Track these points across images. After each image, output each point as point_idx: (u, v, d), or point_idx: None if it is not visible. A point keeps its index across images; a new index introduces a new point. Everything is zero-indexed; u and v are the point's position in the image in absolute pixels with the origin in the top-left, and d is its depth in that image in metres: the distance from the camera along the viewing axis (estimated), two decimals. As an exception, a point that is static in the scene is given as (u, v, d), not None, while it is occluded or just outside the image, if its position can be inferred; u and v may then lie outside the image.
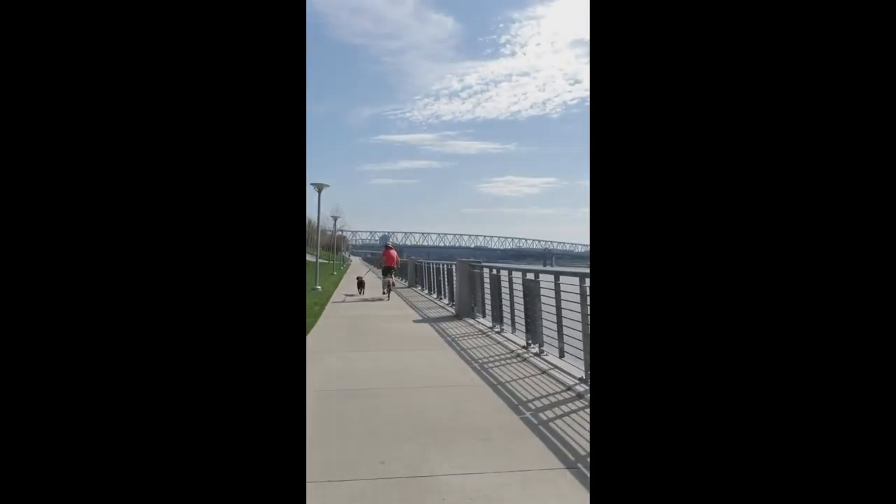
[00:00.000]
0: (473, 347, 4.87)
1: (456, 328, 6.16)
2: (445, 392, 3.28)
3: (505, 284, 5.68)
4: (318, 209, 13.28)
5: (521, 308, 5.06)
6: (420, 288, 13.11)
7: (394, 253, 10.83)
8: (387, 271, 10.54)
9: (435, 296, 10.65)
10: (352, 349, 4.75)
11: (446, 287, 9.69)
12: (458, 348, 4.82)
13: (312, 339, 5.19)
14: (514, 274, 5.41)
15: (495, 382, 3.50)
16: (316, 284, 12.73)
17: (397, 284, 12.49)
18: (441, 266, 10.40)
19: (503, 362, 4.17)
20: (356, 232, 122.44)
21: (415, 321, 6.89)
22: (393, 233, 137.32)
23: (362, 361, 4.18)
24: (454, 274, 8.57)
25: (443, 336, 5.57)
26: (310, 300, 9.39)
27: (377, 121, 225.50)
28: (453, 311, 7.86)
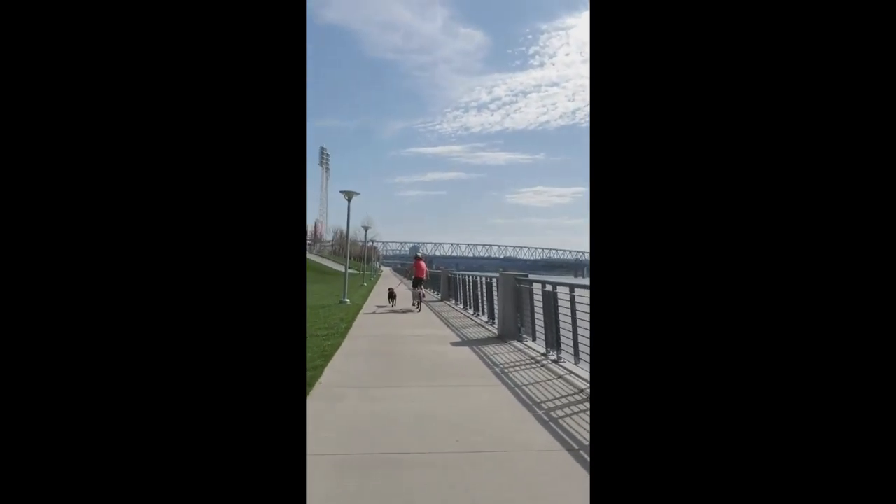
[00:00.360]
0: (530, 383, 3.90)
1: (502, 354, 5.20)
2: (511, 463, 2.34)
3: (563, 302, 4.70)
4: (348, 217, 12.72)
5: (579, 332, 4.12)
6: (454, 302, 12.20)
7: (423, 264, 10.63)
8: (417, 283, 10.40)
9: (472, 311, 9.71)
10: (379, 383, 3.87)
11: (485, 303, 8.75)
12: (511, 384, 3.86)
13: (333, 370, 4.34)
14: (579, 291, 4.42)
15: (576, 445, 2.52)
16: (344, 297, 12.05)
17: (429, 297, 12.11)
18: (479, 279, 9.46)
19: (576, 409, 3.18)
20: (386, 242, 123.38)
21: (453, 343, 5.97)
22: (422, 243, 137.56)
23: (392, 403, 3.29)
24: (495, 288, 7.63)
25: (488, 364, 4.62)
26: (336, 316, 8.64)
27: (408, 134, 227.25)
28: (495, 331, 6.89)
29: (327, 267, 60.59)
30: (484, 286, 8.78)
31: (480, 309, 9.09)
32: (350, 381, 3.87)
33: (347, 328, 7.06)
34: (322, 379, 3.89)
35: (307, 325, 7.18)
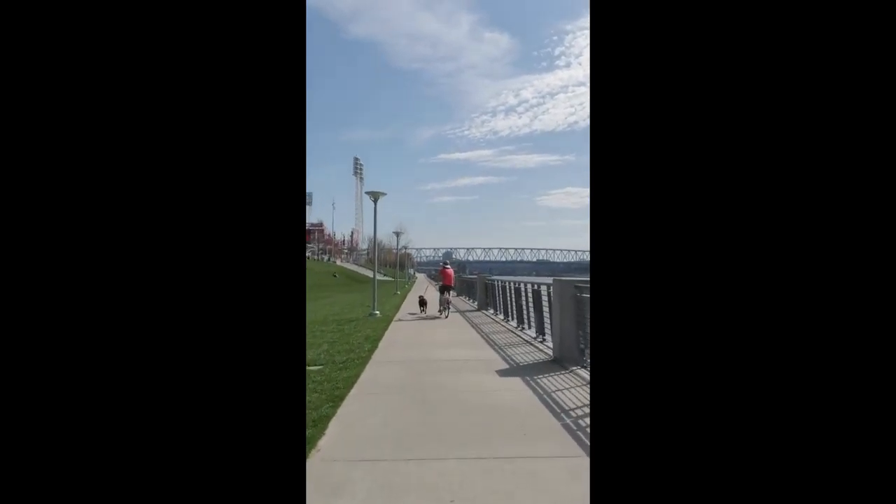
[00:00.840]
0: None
1: (569, 391, 3.91)
2: None
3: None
4: (375, 219, 11.70)
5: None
6: (493, 312, 10.93)
7: (450, 271, 10.97)
8: (444, 289, 10.56)
9: (514, 324, 8.44)
10: (403, 451, 2.67)
11: (531, 314, 7.46)
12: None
13: (343, 424, 3.17)
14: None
15: None
16: (374, 309, 10.99)
17: (465, 306, 11.63)
18: (523, 287, 8.17)
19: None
20: (420, 249, 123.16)
21: (500, 372, 4.73)
22: (455, 249, 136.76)
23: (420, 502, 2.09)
24: (545, 297, 6.35)
25: (553, 410, 3.36)
26: (361, 333, 7.56)
27: (437, 141, 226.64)
28: (549, 352, 5.60)
29: (363, 275, 60.55)
30: (530, 294, 7.48)
31: (526, 322, 7.81)
32: (362, 449, 2.70)
33: (372, 350, 5.95)
34: (322, 442, 2.75)
35: (326, 349, 6.14)
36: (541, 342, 6.41)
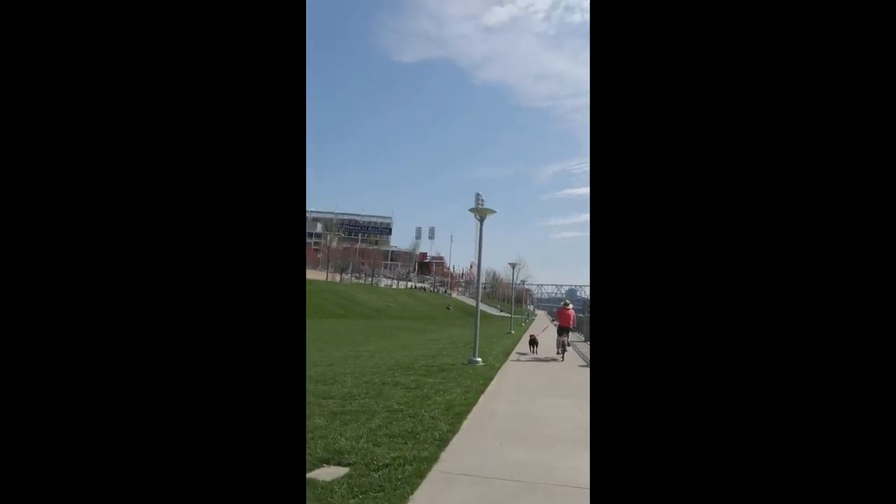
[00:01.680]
0: None
1: None
2: None
3: None
4: (480, 239, 9.58)
5: None
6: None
7: (570, 312, 10.12)
8: (562, 331, 9.85)
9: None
10: None
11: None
12: None
13: None
14: None
15: None
16: (475, 355, 8.54)
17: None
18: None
19: None
20: (541, 285, 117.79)
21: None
22: (580, 286, 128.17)
23: None
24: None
25: None
26: (445, 396, 5.17)
27: (562, 176, 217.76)
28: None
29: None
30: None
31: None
32: None
33: (448, 436, 3.57)
34: None
35: (377, 424, 3.94)
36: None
